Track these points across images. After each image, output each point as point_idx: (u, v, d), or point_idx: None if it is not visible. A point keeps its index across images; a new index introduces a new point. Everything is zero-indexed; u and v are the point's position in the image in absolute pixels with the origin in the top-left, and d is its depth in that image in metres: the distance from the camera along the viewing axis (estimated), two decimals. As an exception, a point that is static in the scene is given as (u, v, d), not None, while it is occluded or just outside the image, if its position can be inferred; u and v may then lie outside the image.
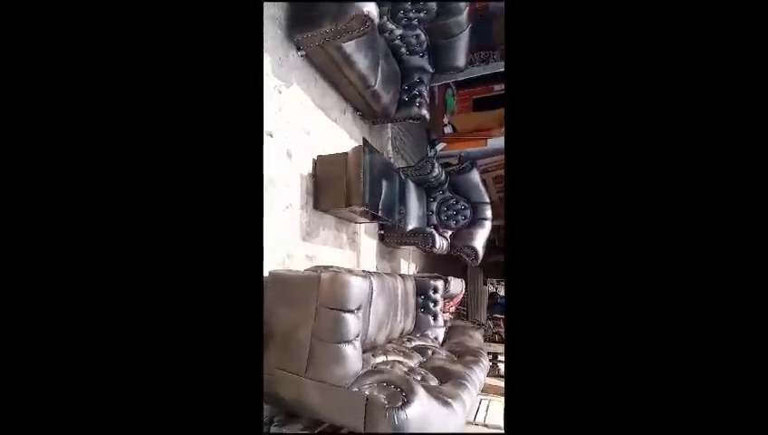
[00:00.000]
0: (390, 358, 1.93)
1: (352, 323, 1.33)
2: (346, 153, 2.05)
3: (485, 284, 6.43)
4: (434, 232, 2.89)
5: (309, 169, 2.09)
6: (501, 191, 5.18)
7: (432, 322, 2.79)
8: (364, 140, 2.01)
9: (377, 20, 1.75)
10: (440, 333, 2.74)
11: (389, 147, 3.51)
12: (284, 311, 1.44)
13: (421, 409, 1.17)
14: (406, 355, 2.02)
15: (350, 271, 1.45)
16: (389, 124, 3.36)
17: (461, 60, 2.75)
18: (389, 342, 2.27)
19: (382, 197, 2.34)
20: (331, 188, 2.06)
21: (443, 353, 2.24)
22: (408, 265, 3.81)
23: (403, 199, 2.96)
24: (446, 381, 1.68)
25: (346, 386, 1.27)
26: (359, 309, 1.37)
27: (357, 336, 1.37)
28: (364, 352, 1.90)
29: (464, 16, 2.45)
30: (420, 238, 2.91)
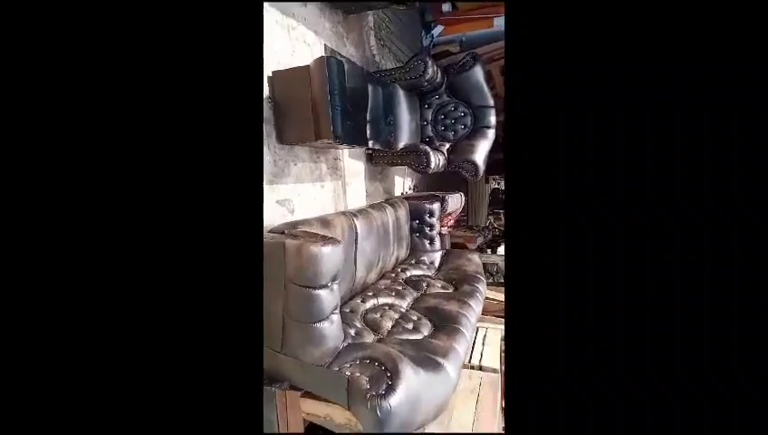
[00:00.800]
0: (381, 300, 1.83)
1: (326, 298, 1.15)
2: (307, 67, 1.59)
3: (487, 181, 6.22)
4: (428, 149, 2.52)
5: (265, 89, 1.65)
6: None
7: (428, 246, 2.66)
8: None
9: None
10: (436, 257, 2.63)
11: (372, 40, 2.87)
12: (251, 281, 1.25)
13: (406, 392, 1.06)
14: (398, 294, 1.91)
15: (322, 238, 1.19)
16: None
17: None
18: (383, 276, 2.16)
19: (364, 117, 1.93)
20: (294, 115, 1.65)
21: (438, 285, 2.14)
22: (404, 181, 3.53)
23: (391, 112, 2.52)
24: (439, 328, 1.59)
25: (325, 365, 1.15)
26: (334, 280, 1.17)
27: (335, 309, 1.20)
28: (352, 297, 1.79)
29: None
30: (413, 157, 2.56)
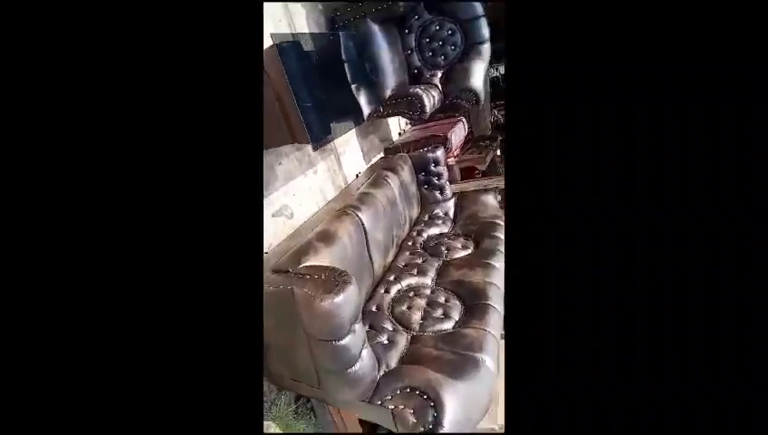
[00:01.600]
0: (405, 283, 1.78)
1: (353, 343, 1.09)
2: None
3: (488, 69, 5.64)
4: (419, 92, 2.19)
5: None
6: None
7: (439, 196, 2.51)
8: (272, 36, 1.20)
9: None
10: (450, 206, 2.50)
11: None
12: (272, 326, 1.19)
13: (454, 416, 1.06)
14: (420, 270, 1.85)
15: (332, 279, 1.08)
16: None
17: None
18: (400, 248, 2.08)
19: (346, 89, 1.63)
20: (265, 116, 1.39)
21: (458, 245, 2.06)
22: (398, 122, 3.20)
23: (369, 59, 2.14)
24: (470, 309, 1.55)
25: (366, 401, 1.15)
26: (355, 322, 1.10)
27: (364, 344, 1.15)
28: (375, 287, 1.74)
29: None
30: (404, 104, 2.25)
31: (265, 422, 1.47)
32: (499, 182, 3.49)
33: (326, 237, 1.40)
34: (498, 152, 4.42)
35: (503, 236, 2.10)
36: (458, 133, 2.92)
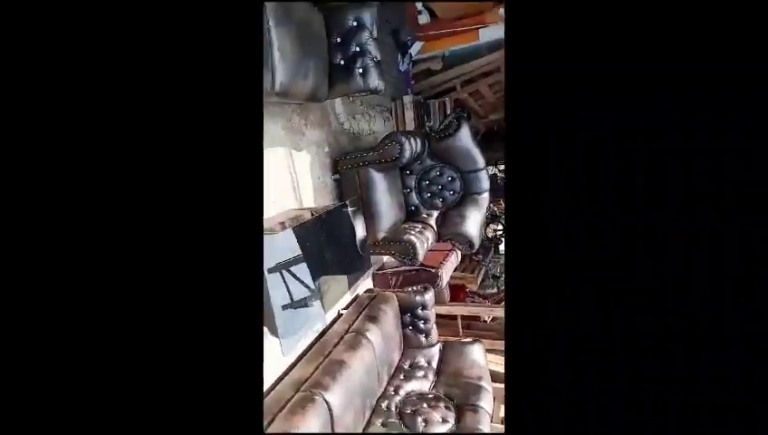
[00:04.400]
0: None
1: None
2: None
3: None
4: (413, 240, 2.18)
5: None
6: (499, 93, 4.06)
7: (424, 340, 2.38)
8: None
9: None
10: (434, 353, 2.35)
11: (338, 107, 2.44)
12: None
13: None
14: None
15: None
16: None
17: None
18: (373, 411, 1.90)
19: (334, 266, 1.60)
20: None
21: (438, 416, 1.88)
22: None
23: (368, 205, 2.16)
24: None
25: None
26: None
27: None
28: None
29: None
30: (397, 249, 2.23)
31: None
32: (491, 310, 3.38)
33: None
34: (491, 266, 4.38)
35: (488, 410, 1.94)
36: (450, 266, 2.89)
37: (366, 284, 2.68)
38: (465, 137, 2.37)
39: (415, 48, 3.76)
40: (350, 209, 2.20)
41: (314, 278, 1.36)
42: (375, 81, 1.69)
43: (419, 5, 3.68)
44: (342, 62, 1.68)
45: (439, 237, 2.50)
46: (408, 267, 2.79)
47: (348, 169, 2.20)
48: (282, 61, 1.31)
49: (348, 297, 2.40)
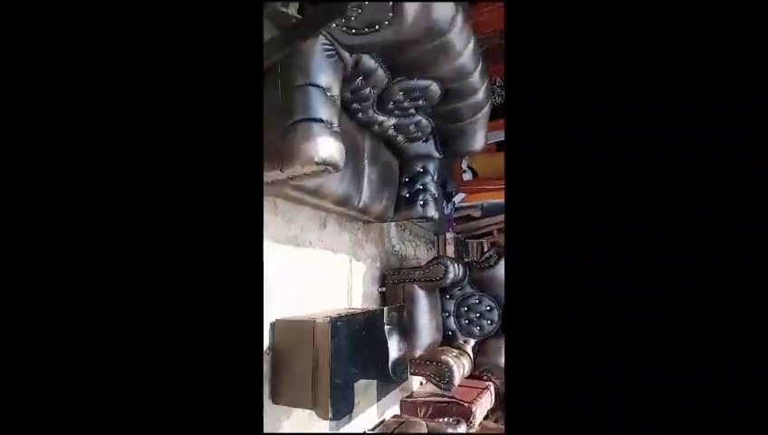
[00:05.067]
0: None
1: None
2: (313, 324, 1.42)
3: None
4: (450, 362, 2.20)
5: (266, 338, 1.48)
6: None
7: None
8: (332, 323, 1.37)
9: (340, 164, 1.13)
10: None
11: (393, 231, 2.86)
12: None
13: None
14: None
15: None
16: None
17: (479, 142, 2.06)
18: None
19: (376, 369, 1.70)
20: (292, 375, 1.43)
21: None
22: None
23: (410, 319, 2.30)
24: None
25: None
26: None
27: None
28: None
29: (480, 95, 1.77)
30: (433, 370, 2.24)
31: None
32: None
33: None
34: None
35: None
36: (484, 405, 2.71)
37: (393, 410, 2.55)
38: (503, 270, 2.60)
39: (458, 198, 4.42)
40: (386, 326, 2.33)
41: (350, 374, 1.44)
42: (432, 211, 2.08)
43: (464, 165, 4.48)
44: (407, 195, 2.12)
45: (475, 367, 2.47)
46: (439, 398, 2.67)
47: (394, 283, 2.43)
48: (368, 187, 1.75)
49: (374, 413, 2.30)
